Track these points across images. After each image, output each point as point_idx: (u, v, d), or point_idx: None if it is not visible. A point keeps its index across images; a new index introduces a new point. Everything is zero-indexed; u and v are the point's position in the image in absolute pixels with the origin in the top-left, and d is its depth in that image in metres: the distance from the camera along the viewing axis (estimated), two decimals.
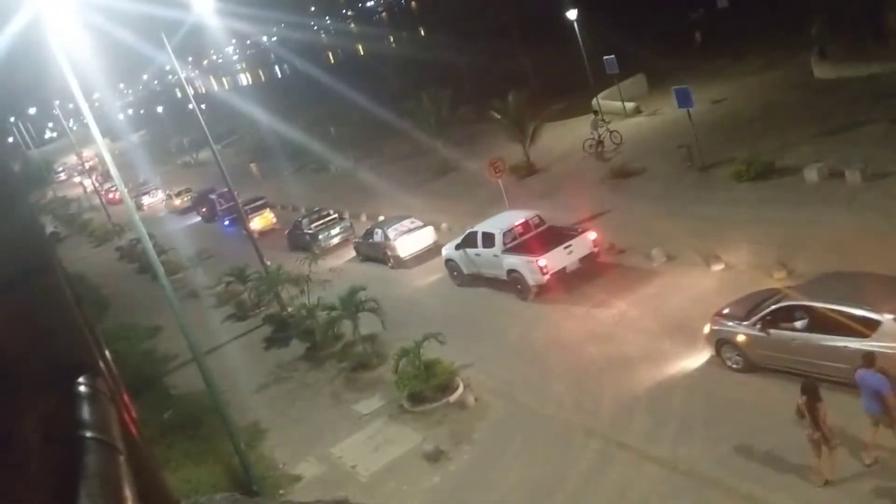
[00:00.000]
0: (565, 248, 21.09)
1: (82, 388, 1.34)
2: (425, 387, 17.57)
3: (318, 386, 20.85)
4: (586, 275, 21.39)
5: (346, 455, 16.97)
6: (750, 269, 18.51)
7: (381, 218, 31.44)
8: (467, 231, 24.00)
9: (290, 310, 24.40)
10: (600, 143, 32.56)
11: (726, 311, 15.57)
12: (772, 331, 14.20)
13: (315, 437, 18.17)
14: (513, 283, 21.98)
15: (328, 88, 61.84)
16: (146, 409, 19.85)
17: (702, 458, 13.20)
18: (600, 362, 17.26)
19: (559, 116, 36.03)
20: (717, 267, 19.34)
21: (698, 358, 16.01)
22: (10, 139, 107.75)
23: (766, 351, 14.52)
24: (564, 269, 20.98)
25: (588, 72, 37.42)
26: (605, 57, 36.00)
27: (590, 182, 29.36)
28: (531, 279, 21.19)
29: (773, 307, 14.39)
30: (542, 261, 20.68)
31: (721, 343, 15.39)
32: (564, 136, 35.82)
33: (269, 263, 25.90)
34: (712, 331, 15.57)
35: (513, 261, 21.73)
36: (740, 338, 14.84)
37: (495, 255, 22.21)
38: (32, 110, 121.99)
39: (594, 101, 38.05)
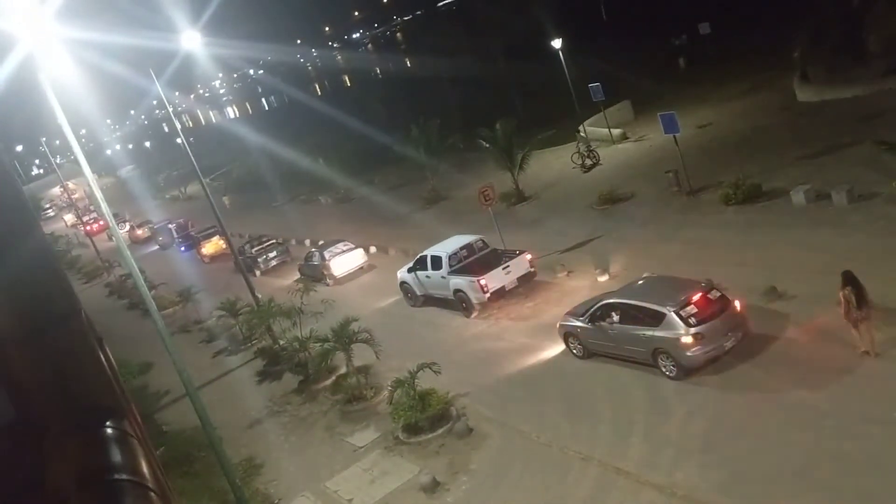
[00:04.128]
0: (504, 268, 23.05)
1: (110, 431, 1.35)
2: (420, 417, 17.49)
3: (311, 419, 20.70)
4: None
5: (343, 489, 16.82)
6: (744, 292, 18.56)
7: (321, 242, 34.45)
8: (418, 255, 25.57)
9: (281, 342, 24.27)
10: (586, 157, 34.71)
11: (571, 310, 19.11)
12: (597, 323, 17.50)
13: (310, 471, 18.02)
14: (459, 302, 23.80)
15: (317, 119, 62.13)
16: None
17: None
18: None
19: (547, 144, 36.23)
20: None
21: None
22: None
23: (594, 340, 17.94)
24: (504, 287, 22.91)
25: (574, 99, 37.75)
26: (590, 84, 36.37)
27: (580, 208, 29.51)
28: (474, 297, 23.12)
29: (598, 304, 17.73)
30: (483, 280, 22.57)
31: (567, 335, 18.77)
32: (552, 164, 36.05)
33: (259, 296, 25.82)
34: (561, 325, 19.00)
35: (458, 281, 23.60)
36: (578, 331, 18.31)
37: (443, 277, 24.08)
38: (19, 147, 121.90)
39: (581, 128, 38.45)
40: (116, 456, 1.34)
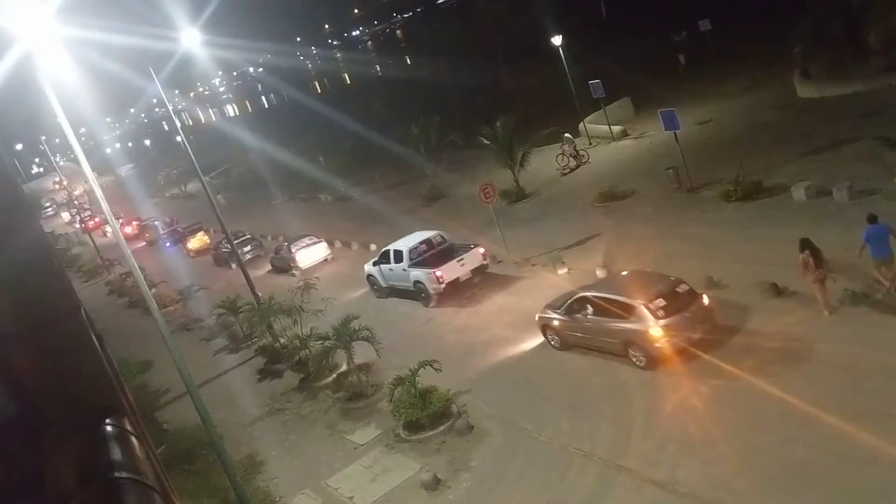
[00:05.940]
0: (458, 261, 24.62)
1: (110, 429, 1.34)
2: (421, 415, 17.48)
3: (312, 417, 20.70)
4: None
5: (343, 486, 16.82)
6: (745, 290, 18.56)
7: (281, 237, 37.34)
8: (383, 249, 27.28)
9: (282, 341, 24.28)
10: (573, 158, 35.08)
11: (550, 302, 19.61)
12: (573, 316, 18.16)
13: (311, 469, 18.01)
14: (418, 293, 25.47)
15: (317, 117, 62.09)
16: None
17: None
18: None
19: (547, 141, 36.20)
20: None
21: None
22: None
23: (571, 332, 18.54)
24: (458, 279, 24.46)
25: (574, 96, 37.72)
26: (590, 81, 36.32)
27: (580, 205, 29.50)
28: (431, 288, 24.76)
29: (574, 297, 18.42)
30: (439, 272, 24.15)
31: (545, 327, 19.31)
32: (552, 161, 36.01)
33: (260, 294, 25.81)
34: (539, 318, 19.55)
35: (417, 273, 25.33)
36: (555, 323, 18.89)
37: (404, 269, 25.82)
38: (19, 146, 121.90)
39: (581, 125, 38.44)
40: (117, 454, 1.33)
